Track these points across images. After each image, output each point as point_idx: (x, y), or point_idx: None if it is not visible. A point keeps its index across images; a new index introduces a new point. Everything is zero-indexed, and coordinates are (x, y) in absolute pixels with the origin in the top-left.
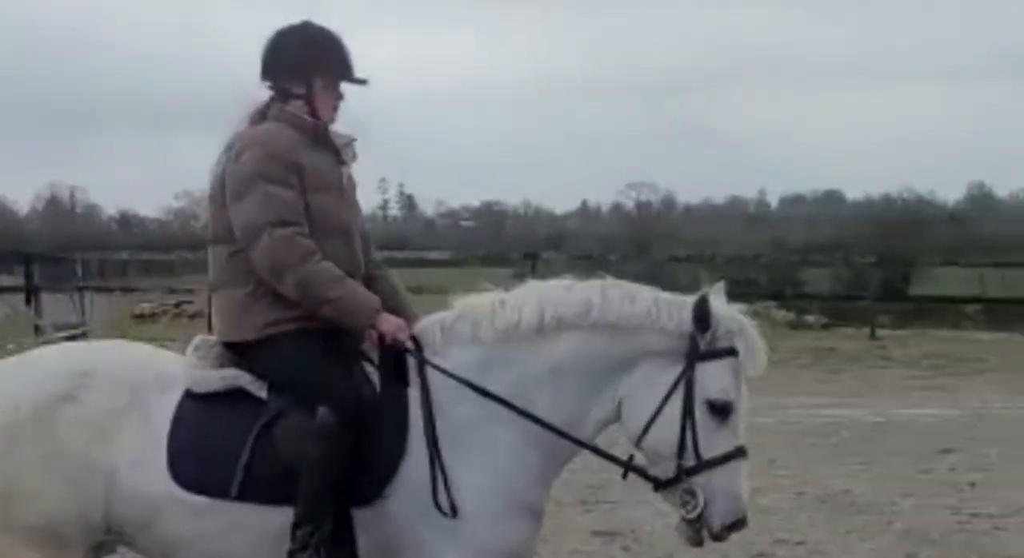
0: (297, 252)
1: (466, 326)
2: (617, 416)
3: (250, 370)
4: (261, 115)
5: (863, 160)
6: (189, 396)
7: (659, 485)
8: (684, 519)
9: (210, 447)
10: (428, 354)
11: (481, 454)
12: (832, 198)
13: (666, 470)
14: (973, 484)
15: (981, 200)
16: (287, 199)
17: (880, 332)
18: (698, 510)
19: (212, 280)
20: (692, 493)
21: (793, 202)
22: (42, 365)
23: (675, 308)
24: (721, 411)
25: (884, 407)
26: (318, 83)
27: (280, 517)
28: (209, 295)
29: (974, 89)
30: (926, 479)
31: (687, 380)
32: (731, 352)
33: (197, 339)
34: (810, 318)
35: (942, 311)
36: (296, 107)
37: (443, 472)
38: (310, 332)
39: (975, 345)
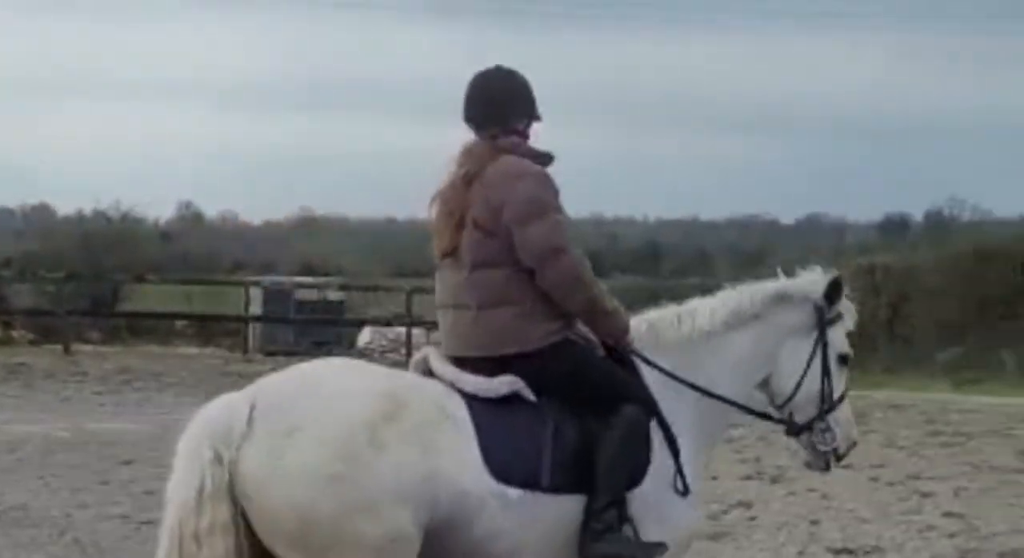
0: (589, 272)
1: (654, 334)
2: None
3: (523, 376)
4: (496, 149)
5: (72, 174)
6: (475, 401)
7: (799, 430)
8: (820, 451)
9: (515, 445)
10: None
11: (684, 442)
12: (42, 211)
13: (808, 415)
14: (151, 492)
15: (190, 219)
16: (565, 225)
17: (79, 348)
18: (836, 440)
19: (471, 301)
20: (828, 429)
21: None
22: (350, 386)
23: (799, 287)
24: (845, 360)
25: (73, 422)
26: (530, 121)
27: (571, 505)
28: (444, 313)
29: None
30: (104, 490)
31: (823, 344)
32: (841, 316)
33: (424, 353)
34: (15, 334)
35: (154, 326)
36: (519, 142)
37: (677, 457)
38: (575, 341)
39: (176, 360)
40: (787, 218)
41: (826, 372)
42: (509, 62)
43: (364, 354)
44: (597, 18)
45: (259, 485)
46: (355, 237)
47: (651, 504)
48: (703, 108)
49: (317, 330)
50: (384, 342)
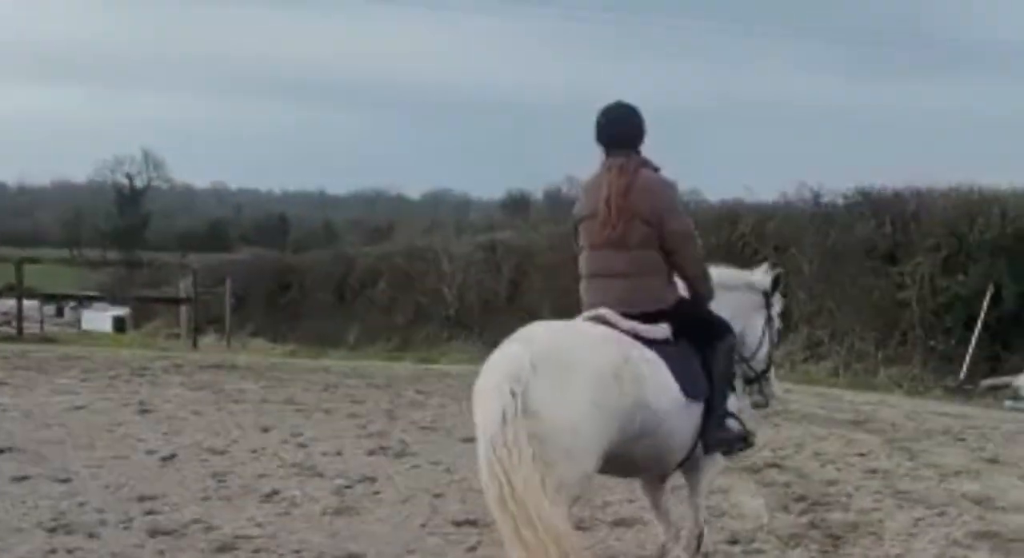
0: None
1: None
2: None
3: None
4: (639, 164)
5: None
6: (651, 344)
7: (757, 378)
8: (766, 394)
9: (684, 371)
10: None
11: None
12: None
13: (760, 369)
14: None
15: None
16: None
17: None
18: (774, 387)
19: (632, 271)
20: (770, 380)
21: None
22: (594, 340)
23: (757, 278)
24: (780, 334)
25: None
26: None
27: (702, 407)
28: (598, 281)
29: None
30: None
31: (769, 319)
32: (777, 301)
33: (599, 312)
34: None
35: None
36: (647, 160)
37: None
38: (685, 298)
39: None
40: (413, 193)
41: (771, 340)
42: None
43: None
44: None
45: (545, 409)
46: None
47: (740, 406)
48: (335, 83)
49: None
50: None
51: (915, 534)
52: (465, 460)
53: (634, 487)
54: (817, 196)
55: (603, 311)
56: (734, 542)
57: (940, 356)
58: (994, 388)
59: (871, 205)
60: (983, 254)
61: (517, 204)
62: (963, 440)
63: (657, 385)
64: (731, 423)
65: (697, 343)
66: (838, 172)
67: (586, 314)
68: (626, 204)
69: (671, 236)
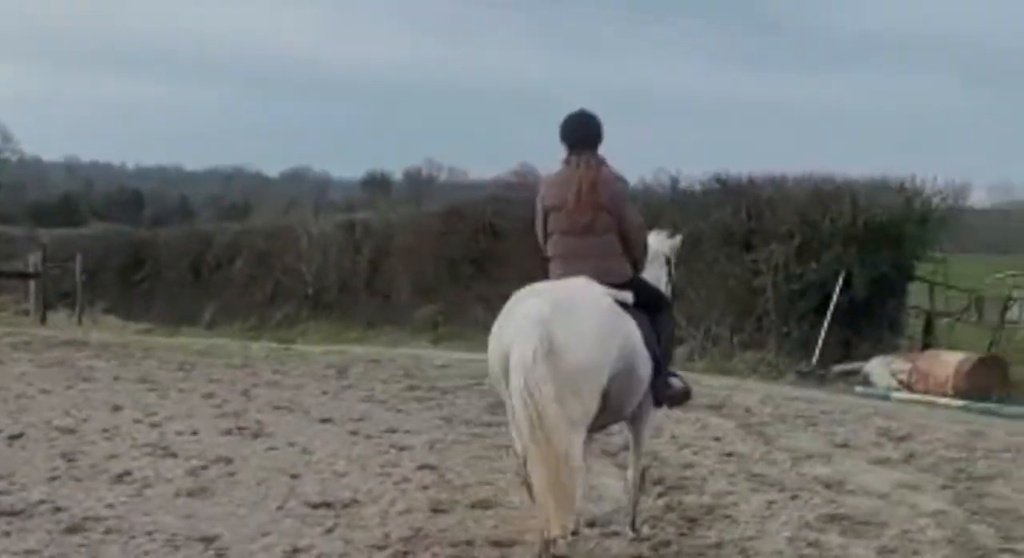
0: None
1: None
2: None
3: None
4: (600, 161)
5: None
6: (623, 306)
7: None
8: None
9: (644, 329)
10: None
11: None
12: None
13: None
14: None
15: None
16: None
17: None
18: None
19: (599, 253)
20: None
21: None
22: (599, 293)
23: (667, 246)
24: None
25: None
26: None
27: (651, 364)
28: (574, 260)
29: None
30: None
31: (670, 277)
32: (670, 260)
33: (585, 279)
34: None
35: None
36: (604, 158)
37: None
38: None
39: None
40: (271, 171)
41: (674, 296)
42: None
43: None
44: None
45: (566, 350)
46: None
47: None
48: (194, 58)
49: None
50: None
51: (768, 517)
52: (321, 441)
53: (491, 469)
54: (675, 182)
55: (582, 278)
56: (592, 525)
57: (794, 341)
58: (846, 374)
59: (727, 192)
60: (835, 242)
61: (377, 184)
62: (815, 425)
63: (635, 331)
64: (675, 381)
65: (647, 310)
66: (697, 159)
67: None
68: (593, 196)
69: (629, 225)
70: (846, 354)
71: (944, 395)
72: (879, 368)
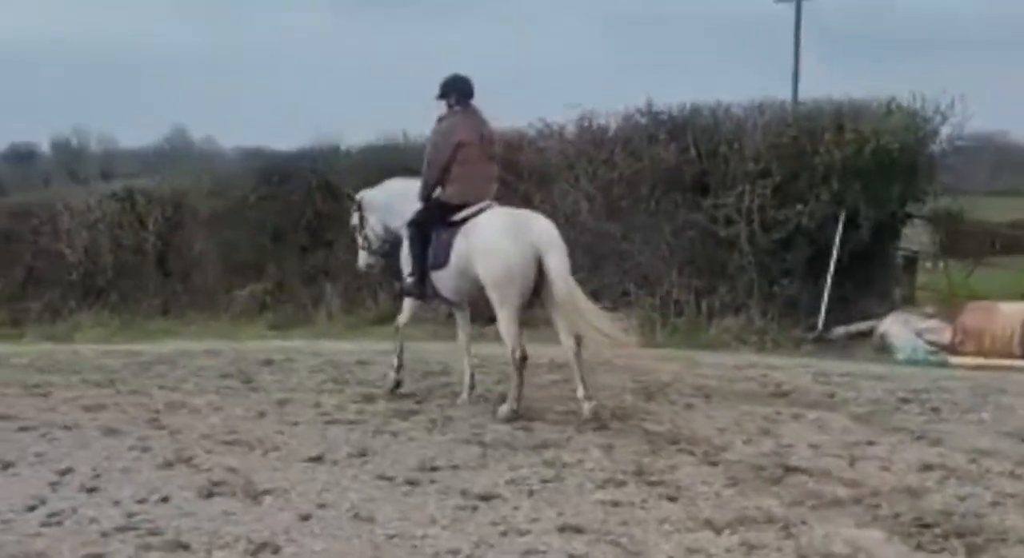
0: None
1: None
2: None
3: None
4: (476, 111)
5: None
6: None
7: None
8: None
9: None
10: None
11: None
12: None
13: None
14: None
15: None
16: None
17: None
18: None
19: (494, 176)
20: None
21: None
22: (538, 217)
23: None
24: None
25: None
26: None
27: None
28: (480, 181)
29: None
30: None
31: (362, 219)
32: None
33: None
34: None
35: None
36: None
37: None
38: None
39: None
40: None
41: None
42: None
43: None
44: None
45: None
46: None
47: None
48: None
49: None
50: None
51: None
52: (360, 496)
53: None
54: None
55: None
56: None
57: (781, 303)
58: (851, 337)
59: (657, 125)
60: (832, 177)
61: (22, 157)
62: (936, 410)
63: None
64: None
65: None
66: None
67: (507, 209)
68: (491, 133)
69: (494, 153)
70: (845, 313)
71: (1010, 356)
72: (897, 328)
